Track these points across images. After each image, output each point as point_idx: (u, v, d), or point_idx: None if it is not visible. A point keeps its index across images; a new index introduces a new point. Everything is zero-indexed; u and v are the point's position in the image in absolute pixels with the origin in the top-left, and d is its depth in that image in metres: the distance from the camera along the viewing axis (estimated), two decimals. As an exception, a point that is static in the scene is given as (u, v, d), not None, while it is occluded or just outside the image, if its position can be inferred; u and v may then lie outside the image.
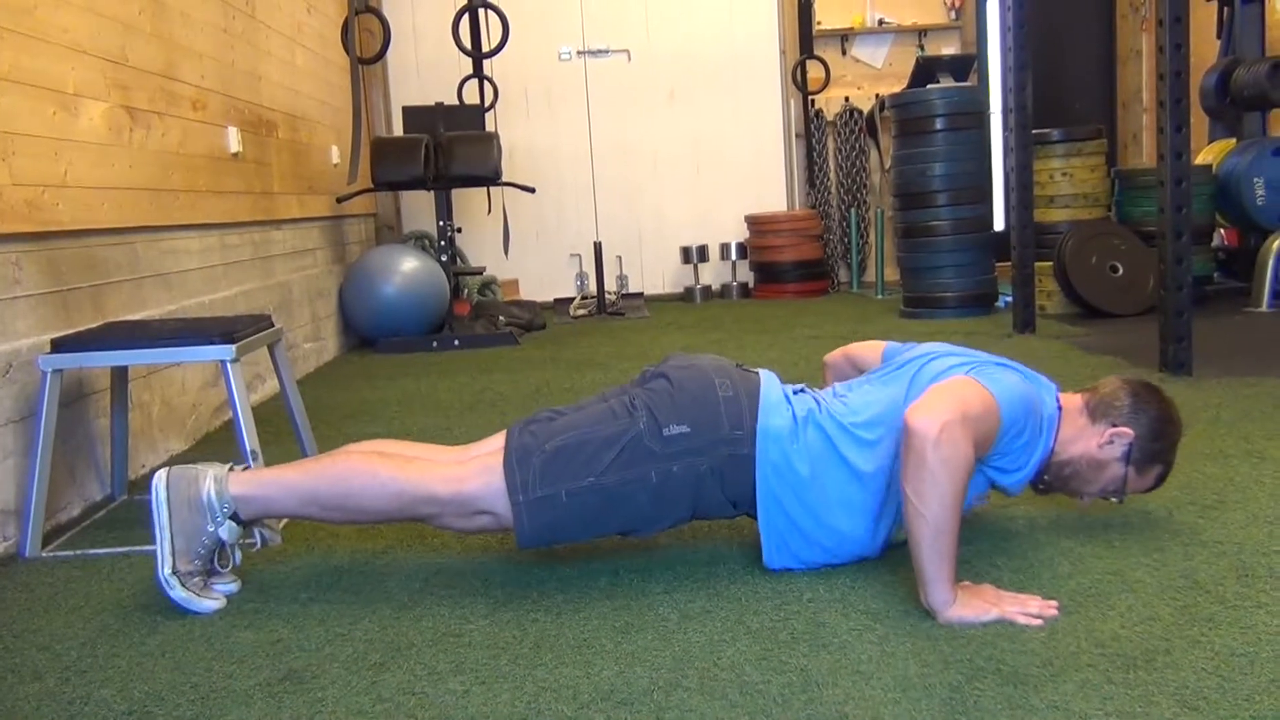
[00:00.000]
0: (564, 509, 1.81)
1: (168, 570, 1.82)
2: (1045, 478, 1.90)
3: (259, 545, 1.93)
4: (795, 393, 1.93)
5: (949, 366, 1.84)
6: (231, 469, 1.88)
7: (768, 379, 1.92)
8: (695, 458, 1.81)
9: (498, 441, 1.90)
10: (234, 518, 1.84)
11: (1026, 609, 1.61)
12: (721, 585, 1.83)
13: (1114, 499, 1.93)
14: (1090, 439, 1.86)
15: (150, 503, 1.83)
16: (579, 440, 1.83)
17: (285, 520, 2.33)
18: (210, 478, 1.84)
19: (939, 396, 1.69)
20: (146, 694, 1.53)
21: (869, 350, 2.18)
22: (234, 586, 1.92)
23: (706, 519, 1.94)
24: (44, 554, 2.21)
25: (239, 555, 1.89)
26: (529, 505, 1.80)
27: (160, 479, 1.84)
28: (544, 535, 1.84)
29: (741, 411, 1.83)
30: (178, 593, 1.82)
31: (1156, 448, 1.87)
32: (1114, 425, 1.85)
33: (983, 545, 1.94)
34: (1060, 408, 1.89)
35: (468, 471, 1.85)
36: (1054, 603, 1.63)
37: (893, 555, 1.88)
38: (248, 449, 2.25)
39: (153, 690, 1.54)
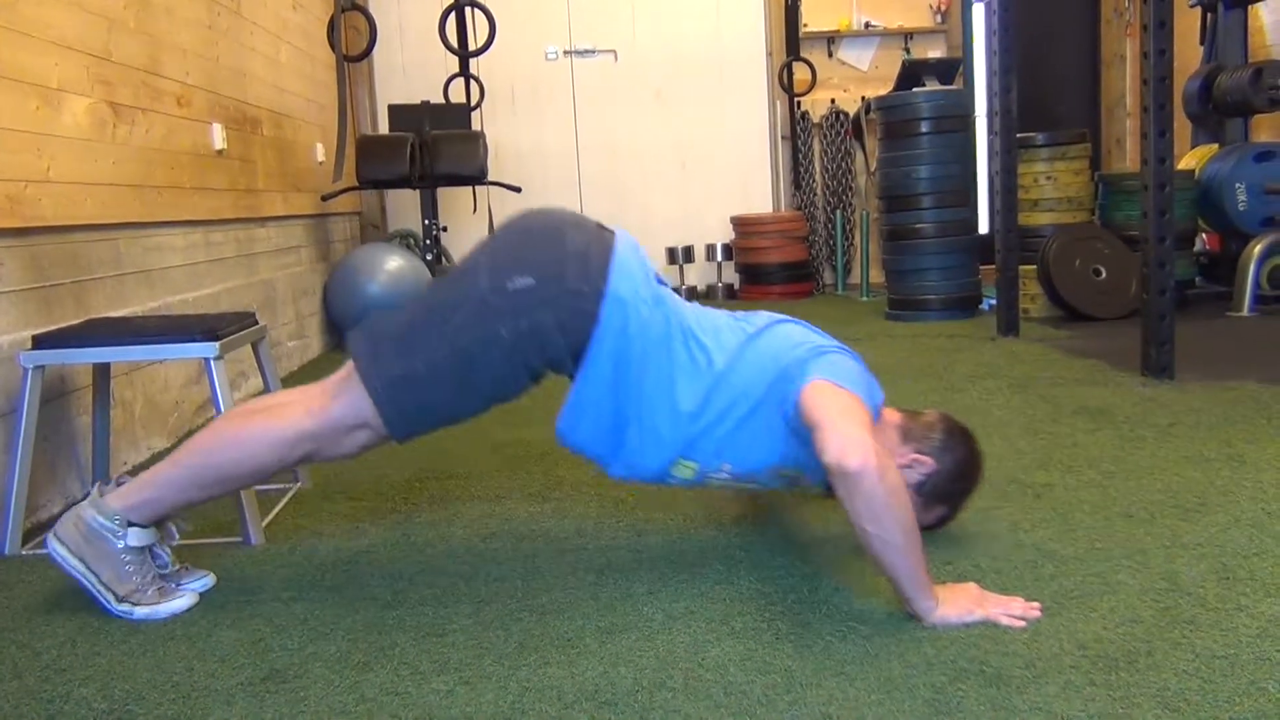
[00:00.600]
0: (424, 385, 1.77)
1: (115, 602, 1.81)
2: None
3: (175, 538, 1.92)
4: (658, 280, 1.91)
5: (795, 340, 1.84)
6: (101, 486, 1.87)
7: (624, 241, 1.88)
8: (541, 311, 1.76)
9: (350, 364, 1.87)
10: (134, 524, 1.83)
11: (1010, 610, 1.61)
12: (706, 586, 1.83)
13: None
14: (894, 456, 1.81)
15: (57, 564, 1.83)
16: (424, 313, 1.81)
17: (268, 520, 2.32)
18: (87, 506, 1.84)
19: (844, 425, 1.64)
20: (127, 693, 1.52)
21: None
22: (208, 580, 1.92)
23: (557, 372, 1.87)
24: (24, 552, 2.19)
25: (166, 554, 1.88)
26: (388, 389, 1.77)
27: (50, 540, 1.84)
28: (414, 418, 1.81)
29: (589, 268, 1.79)
30: (140, 612, 1.81)
31: (950, 488, 1.88)
32: (919, 452, 1.85)
33: (966, 547, 1.94)
34: (879, 418, 1.87)
35: (328, 395, 1.83)
36: (1037, 604, 1.64)
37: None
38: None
39: (133, 689, 1.53)
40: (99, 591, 1.82)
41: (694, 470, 1.87)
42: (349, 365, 1.84)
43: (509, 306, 1.76)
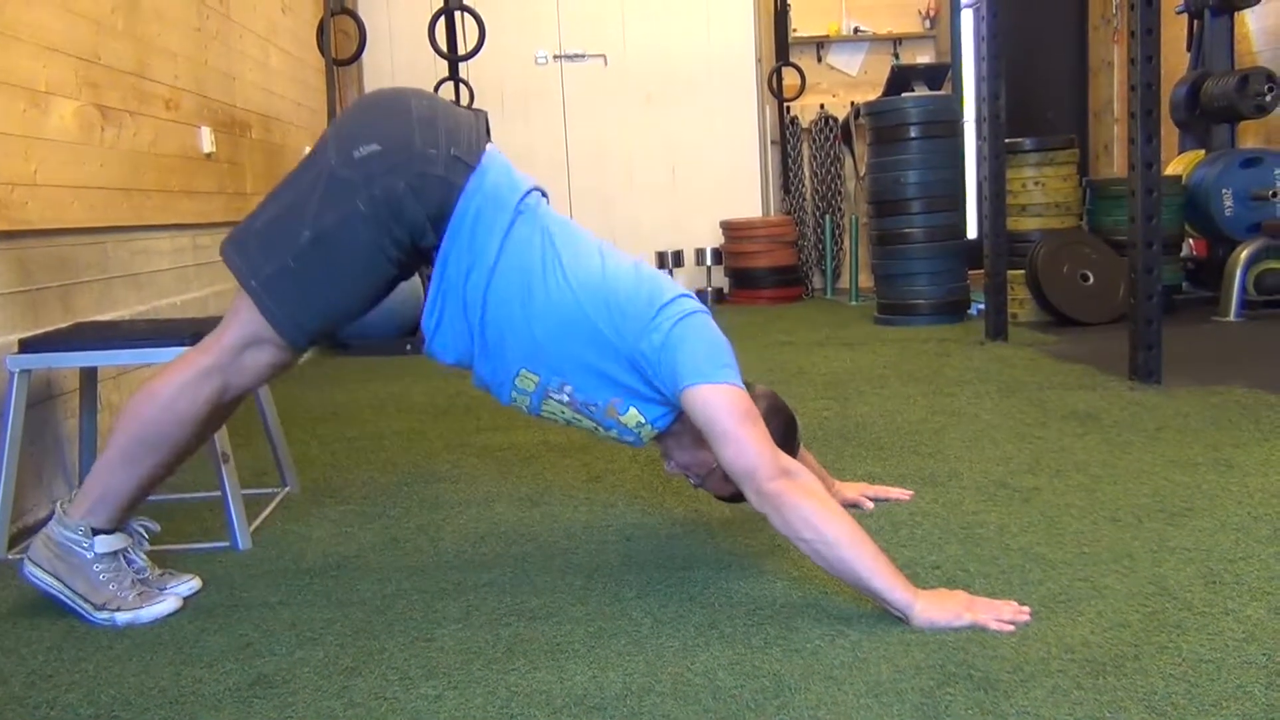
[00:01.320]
0: (297, 276, 1.75)
1: (94, 612, 1.81)
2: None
3: (145, 539, 1.91)
4: (530, 189, 1.88)
5: (657, 322, 1.76)
6: (62, 503, 1.87)
7: (494, 152, 1.86)
8: (391, 176, 1.72)
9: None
10: (99, 531, 1.82)
11: (999, 614, 1.61)
12: (695, 590, 1.83)
13: (690, 479, 1.93)
14: None
15: (34, 584, 1.84)
16: (282, 205, 1.79)
17: (255, 524, 2.32)
18: (53, 524, 1.84)
19: (744, 445, 1.66)
20: (114, 698, 1.51)
21: None
22: (192, 583, 1.91)
23: (418, 243, 1.80)
24: (10, 556, 2.18)
25: (139, 557, 1.88)
26: (265, 288, 1.75)
27: (26, 564, 1.85)
28: (299, 314, 1.77)
29: (438, 134, 1.76)
30: (121, 618, 1.80)
31: None
32: None
33: (953, 551, 1.95)
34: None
35: (216, 331, 1.82)
36: (1026, 608, 1.64)
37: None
38: (219, 451, 2.23)
39: (120, 695, 1.53)
40: (78, 604, 1.81)
41: (535, 384, 1.82)
42: (237, 291, 1.82)
43: (360, 176, 1.72)
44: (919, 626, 1.60)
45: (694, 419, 1.74)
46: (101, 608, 1.81)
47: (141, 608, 1.82)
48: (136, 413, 1.82)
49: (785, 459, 1.68)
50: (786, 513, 1.62)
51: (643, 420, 1.83)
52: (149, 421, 1.81)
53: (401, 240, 1.77)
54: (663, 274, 1.89)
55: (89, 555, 1.82)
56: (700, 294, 6.72)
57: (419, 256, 1.83)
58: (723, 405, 1.71)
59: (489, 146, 1.84)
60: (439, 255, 1.79)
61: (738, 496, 1.83)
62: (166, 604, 1.84)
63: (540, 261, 1.79)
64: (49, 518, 2.42)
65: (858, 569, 1.62)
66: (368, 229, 1.74)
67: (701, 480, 1.90)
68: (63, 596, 1.82)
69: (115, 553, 1.84)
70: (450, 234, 1.77)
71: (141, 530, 1.91)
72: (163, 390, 1.81)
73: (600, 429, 1.88)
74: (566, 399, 1.84)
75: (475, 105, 6.00)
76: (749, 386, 1.84)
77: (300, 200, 1.76)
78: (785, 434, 1.87)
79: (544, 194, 1.92)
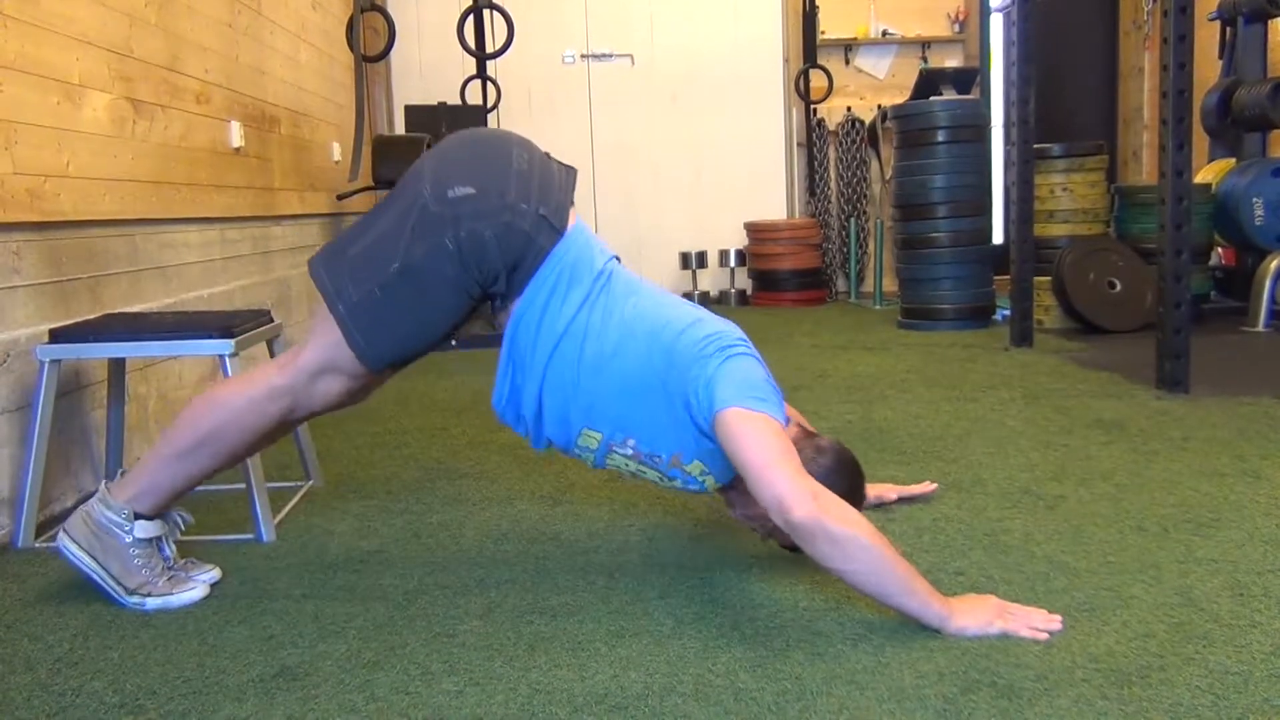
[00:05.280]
0: (382, 305, 1.77)
1: (126, 595, 1.83)
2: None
3: (180, 529, 1.93)
4: (605, 248, 1.91)
5: (702, 355, 1.77)
6: (107, 483, 1.89)
7: (579, 220, 1.89)
8: (480, 222, 1.75)
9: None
10: (140, 516, 1.84)
11: (1031, 622, 1.60)
12: (716, 592, 1.83)
13: (756, 530, 1.90)
14: None
15: (69, 561, 1.85)
16: (376, 232, 1.80)
17: (279, 518, 2.33)
18: (94, 502, 1.86)
19: (777, 472, 1.62)
20: (138, 687, 1.53)
21: None
22: (214, 574, 1.93)
23: (488, 289, 1.82)
24: (37, 544, 2.20)
25: (169, 547, 1.90)
26: (350, 314, 1.78)
27: (61, 537, 1.86)
28: (380, 341, 1.80)
29: (531, 189, 1.79)
30: (151, 603, 1.83)
31: None
32: None
33: (978, 558, 1.94)
34: (785, 422, 1.83)
35: (294, 349, 1.86)
36: (1058, 616, 1.63)
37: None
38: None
39: (145, 684, 1.54)
40: (109, 585, 1.83)
41: (598, 441, 1.84)
42: (317, 312, 1.85)
43: (450, 215, 1.75)
44: (949, 634, 1.59)
45: (724, 448, 1.72)
46: (133, 592, 1.83)
47: (172, 593, 1.84)
48: (201, 415, 1.85)
49: (814, 485, 1.62)
50: (818, 543, 1.58)
51: (705, 469, 1.84)
52: (213, 427, 1.84)
53: (479, 282, 1.81)
54: (721, 320, 1.89)
55: (128, 539, 1.84)
56: (723, 296, 6.71)
57: (486, 298, 1.87)
58: (748, 433, 1.68)
59: (574, 215, 1.88)
60: (511, 322, 1.82)
61: (797, 550, 1.84)
62: (196, 591, 1.86)
63: (601, 325, 1.81)
64: (75, 506, 2.45)
65: (892, 592, 1.60)
66: (453, 266, 1.77)
67: (768, 532, 1.86)
68: (96, 576, 1.83)
69: (152, 539, 1.86)
70: (525, 302, 1.81)
71: (179, 520, 1.93)
72: (232, 400, 1.84)
73: (664, 479, 1.90)
74: (630, 452, 1.86)
75: (501, 103, 6.02)
76: (813, 436, 1.85)
77: (393, 231, 1.79)
78: (849, 496, 1.82)
79: (618, 259, 1.96)
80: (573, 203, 1.89)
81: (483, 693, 1.47)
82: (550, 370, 1.81)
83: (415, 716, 1.41)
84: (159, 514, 1.88)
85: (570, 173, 1.93)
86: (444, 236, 1.75)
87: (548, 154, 1.93)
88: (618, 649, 1.60)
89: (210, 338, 2.25)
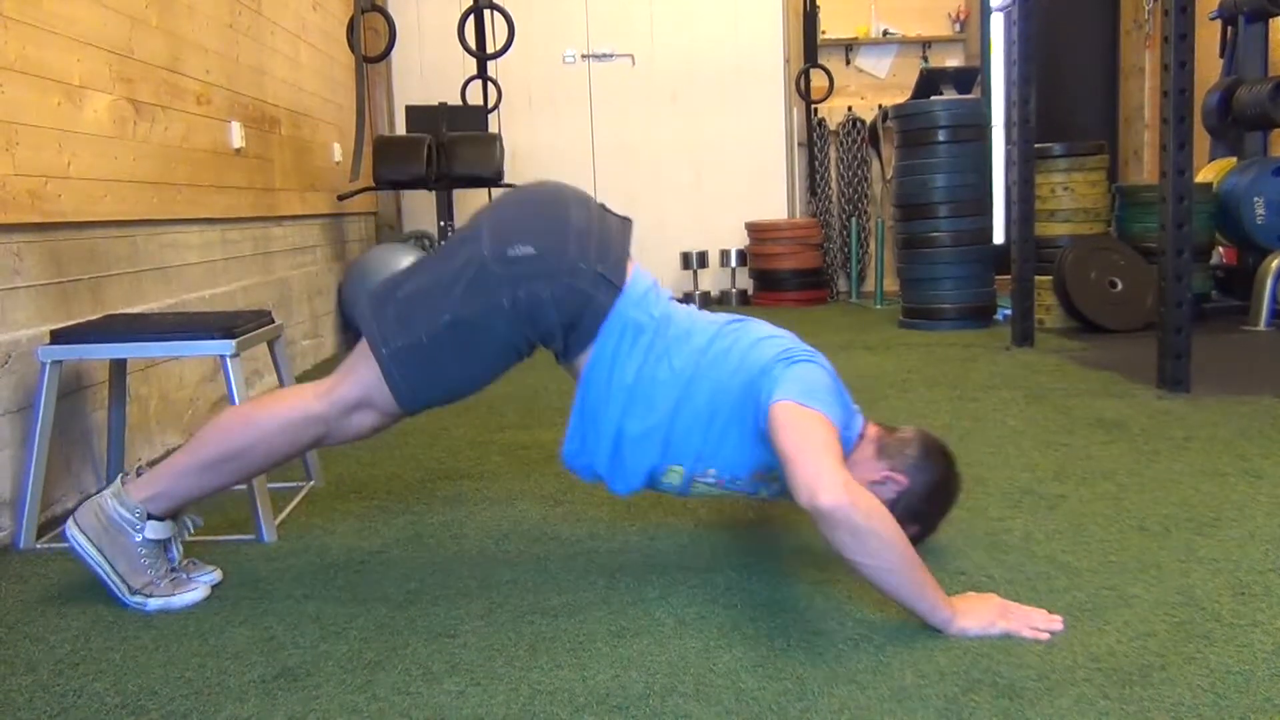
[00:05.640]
0: (428, 353, 1.79)
1: (129, 594, 1.83)
2: None
3: (190, 531, 1.93)
4: (657, 291, 1.92)
5: (755, 342, 1.82)
6: (124, 478, 1.89)
7: (638, 269, 1.90)
8: (539, 283, 1.77)
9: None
10: (153, 517, 1.84)
11: (1032, 622, 1.60)
12: (717, 591, 1.83)
13: None
14: (866, 470, 1.81)
15: (75, 551, 1.85)
16: (429, 281, 1.82)
17: (280, 518, 2.33)
18: (109, 495, 1.85)
19: (812, 459, 1.62)
20: (140, 688, 1.53)
21: None
22: (215, 575, 1.92)
23: (546, 345, 1.88)
24: (38, 545, 2.20)
25: (177, 549, 1.90)
26: (394, 358, 1.79)
27: (70, 527, 1.85)
28: (420, 388, 1.82)
29: (589, 247, 1.81)
30: (152, 604, 1.83)
31: (923, 508, 1.84)
32: (893, 469, 1.82)
33: (978, 558, 1.94)
34: (862, 433, 1.86)
35: (335, 377, 1.86)
36: (1058, 617, 1.63)
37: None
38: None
39: (146, 684, 1.54)
40: (114, 582, 1.83)
41: (681, 475, 1.87)
42: (358, 346, 1.86)
43: (509, 274, 1.77)
44: (951, 635, 1.59)
45: (770, 440, 1.71)
46: (137, 591, 1.82)
47: (173, 595, 1.84)
48: (233, 431, 1.86)
49: (848, 476, 1.60)
50: (840, 532, 1.57)
51: (775, 485, 1.86)
52: (242, 444, 1.85)
53: (532, 340, 1.84)
54: (784, 335, 1.91)
55: (138, 539, 1.83)
56: (724, 295, 6.71)
57: (533, 351, 1.90)
58: (791, 422, 1.69)
59: (632, 266, 1.89)
60: (581, 382, 1.85)
61: (913, 541, 1.83)
62: (197, 593, 1.86)
63: (669, 370, 1.83)
64: (76, 507, 2.45)
65: (904, 593, 1.60)
66: (506, 323, 1.79)
67: None
68: (101, 571, 1.83)
69: (161, 541, 1.86)
70: (593, 361, 1.83)
71: (189, 523, 1.93)
72: (265, 421, 1.85)
73: (751, 494, 1.92)
74: (712, 481, 1.88)
75: (502, 103, 6.02)
76: (895, 430, 1.88)
77: (446, 281, 1.80)
78: (944, 483, 1.86)
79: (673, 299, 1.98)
80: (630, 254, 1.90)
81: (484, 693, 1.47)
82: (626, 420, 1.83)
83: (417, 717, 1.41)
84: (171, 516, 1.88)
85: (626, 224, 1.94)
86: (500, 295, 1.77)
87: (603, 205, 1.95)
88: (619, 649, 1.60)
89: (211, 338, 2.25)
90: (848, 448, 1.81)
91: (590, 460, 1.90)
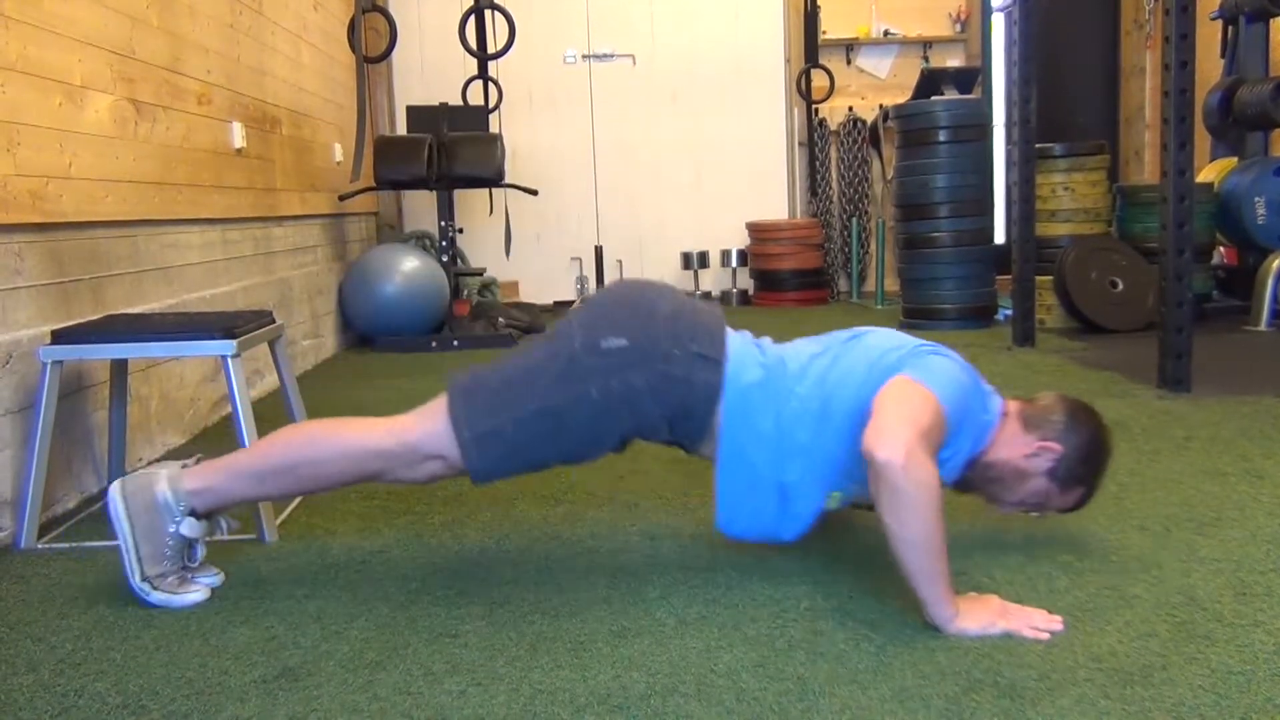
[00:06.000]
0: (511, 439, 1.79)
1: (138, 578, 1.82)
2: (968, 476, 1.87)
3: (223, 534, 1.93)
4: (751, 338, 1.94)
5: (883, 348, 1.83)
6: (185, 466, 1.89)
7: (733, 334, 1.91)
8: (632, 372, 1.78)
9: (439, 396, 1.87)
10: (193, 513, 1.84)
11: (1032, 622, 1.60)
12: (719, 592, 1.83)
13: (1032, 513, 1.92)
14: (1018, 447, 1.84)
15: (109, 513, 1.83)
16: (519, 369, 1.82)
17: (282, 518, 2.33)
18: (164, 478, 1.84)
19: (890, 416, 1.64)
20: (141, 688, 1.53)
21: None
22: (217, 578, 1.92)
23: (645, 439, 1.88)
24: (39, 545, 2.20)
25: (201, 550, 1.89)
26: (477, 441, 1.79)
27: (116, 489, 1.84)
28: (497, 468, 1.82)
29: (680, 333, 1.81)
30: (155, 597, 1.82)
31: (1082, 470, 1.85)
32: (1044, 439, 1.83)
33: (979, 559, 1.94)
34: (1003, 412, 1.87)
35: (410, 420, 1.84)
36: (1059, 617, 1.63)
37: (891, 566, 1.88)
38: (247, 444, 2.24)
39: (147, 684, 1.54)
40: (130, 560, 1.82)
41: (839, 499, 1.87)
42: (439, 399, 1.84)
43: (601, 366, 1.78)
44: (949, 633, 1.60)
45: (876, 396, 1.73)
46: (147, 578, 1.82)
47: (177, 593, 1.83)
48: (294, 449, 1.86)
49: (915, 443, 1.60)
50: (883, 487, 1.59)
51: None
52: (301, 464, 1.85)
53: (625, 433, 1.84)
54: (906, 338, 1.91)
55: (171, 529, 1.83)
56: (725, 295, 6.71)
57: (627, 445, 1.90)
58: (892, 388, 1.71)
59: (728, 337, 1.89)
60: (722, 456, 1.83)
61: (1081, 502, 1.89)
62: (198, 595, 1.85)
63: (799, 403, 1.83)
64: (77, 508, 2.45)
65: (921, 570, 1.60)
66: (594, 416, 1.79)
67: (1041, 505, 1.88)
68: (124, 544, 1.82)
69: (189, 539, 1.85)
70: (725, 435, 1.82)
71: (224, 525, 1.92)
72: (331, 447, 1.85)
73: None
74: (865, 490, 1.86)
75: (503, 103, 6.02)
76: (1032, 399, 1.90)
77: (536, 371, 1.81)
78: (1094, 442, 1.85)
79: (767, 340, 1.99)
80: (725, 327, 1.90)
81: (485, 693, 1.47)
82: (783, 471, 1.81)
83: (418, 717, 1.41)
84: (209, 515, 1.88)
85: (715, 306, 1.94)
86: (590, 385, 1.78)
87: (691, 293, 1.95)
88: (620, 649, 1.60)
89: (212, 338, 2.25)
90: (988, 431, 1.83)
91: (754, 523, 1.87)
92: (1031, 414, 1.87)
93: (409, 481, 1.89)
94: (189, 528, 1.84)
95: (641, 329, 1.81)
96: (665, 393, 1.79)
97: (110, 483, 2.56)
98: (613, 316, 1.83)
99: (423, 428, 1.82)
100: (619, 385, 1.77)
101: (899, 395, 1.71)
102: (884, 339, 1.90)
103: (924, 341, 1.88)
